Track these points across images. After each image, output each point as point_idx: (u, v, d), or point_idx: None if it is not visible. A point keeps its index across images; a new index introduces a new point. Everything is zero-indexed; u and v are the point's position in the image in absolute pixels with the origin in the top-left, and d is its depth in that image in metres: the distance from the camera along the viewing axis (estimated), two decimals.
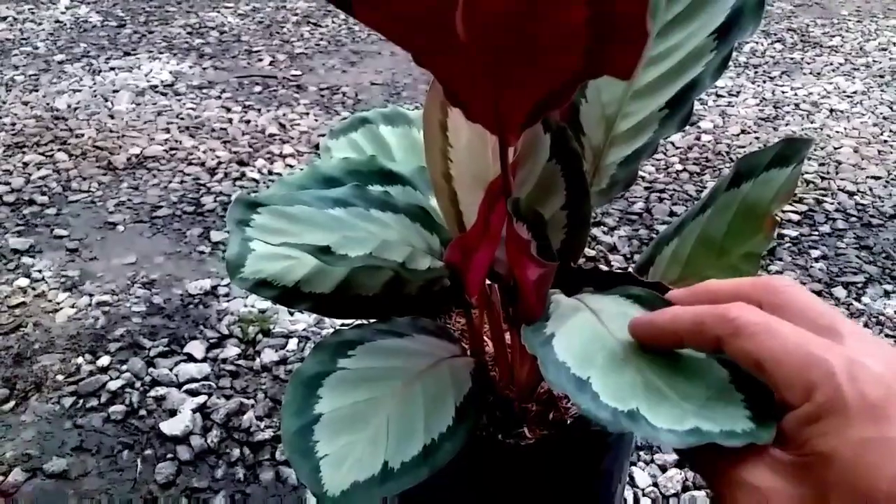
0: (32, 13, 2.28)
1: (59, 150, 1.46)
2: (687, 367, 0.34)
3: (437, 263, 0.48)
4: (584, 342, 0.38)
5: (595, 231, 1.20)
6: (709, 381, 0.33)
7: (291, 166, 1.42)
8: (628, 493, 0.75)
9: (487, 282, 0.52)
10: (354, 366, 0.43)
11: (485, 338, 0.59)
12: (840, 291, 1.06)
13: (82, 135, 1.52)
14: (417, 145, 0.64)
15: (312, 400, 0.41)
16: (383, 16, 0.27)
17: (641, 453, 0.79)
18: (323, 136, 1.54)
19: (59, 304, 1.04)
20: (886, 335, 0.97)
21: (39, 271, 1.11)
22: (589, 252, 1.15)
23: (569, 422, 0.53)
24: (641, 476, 0.77)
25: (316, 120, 1.61)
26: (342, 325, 0.96)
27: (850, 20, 2.27)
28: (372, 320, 0.49)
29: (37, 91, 1.74)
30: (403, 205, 0.51)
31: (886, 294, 1.05)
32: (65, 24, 2.19)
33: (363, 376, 0.43)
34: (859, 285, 1.07)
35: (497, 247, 0.46)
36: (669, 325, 0.32)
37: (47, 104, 1.67)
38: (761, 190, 0.42)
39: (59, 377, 0.91)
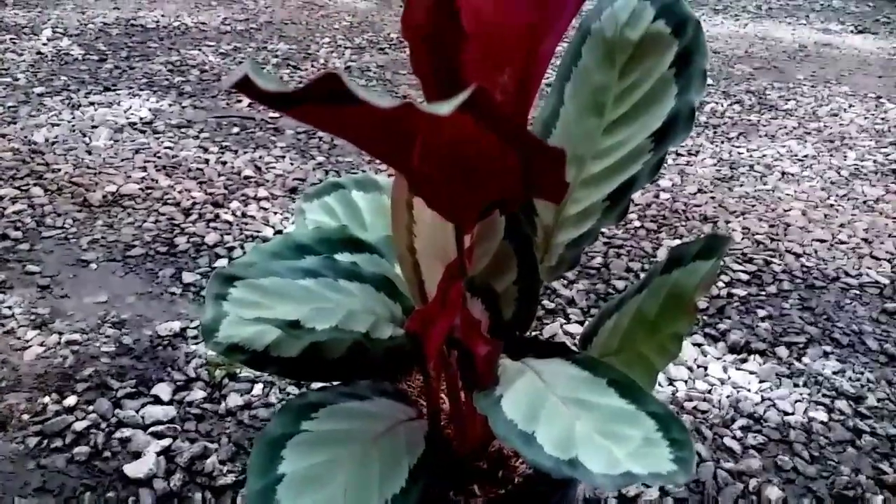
0: (14, 43, 2.30)
1: (35, 184, 1.48)
2: (619, 418, 0.41)
3: (398, 331, 0.52)
4: (529, 400, 0.44)
5: (554, 284, 1.25)
6: (639, 430, 0.40)
7: (265, 209, 1.45)
8: None
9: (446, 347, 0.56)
10: (317, 428, 0.47)
11: (443, 396, 0.63)
12: (783, 351, 1.12)
13: (59, 170, 1.54)
14: (386, 209, 0.69)
15: (276, 461, 0.44)
16: (346, 133, 0.31)
17: None
18: (298, 179, 1.58)
19: (27, 341, 1.06)
20: (823, 395, 1.03)
21: (9, 308, 1.12)
22: (548, 304, 1.20)
23: (516, 480, 0.57)
24: None
25: (291, 164, 1.65)
26: None
27: (805, 84, 2.40)
28: (336, 382, 0.53)
29: (15, 123, 1.75)
30: (369, 275, 0.55)
31: (825, 355, 1.12)
32: (46, 56, 2.22)
33: (325, 438, 0.47)
34: (801, 345, 1.14)
35: (454, 319, 0.50)
36: None
37: (25, 137, 1.68)
38: (687, 278, 0.47)
39: (25, 416, 0.92)
